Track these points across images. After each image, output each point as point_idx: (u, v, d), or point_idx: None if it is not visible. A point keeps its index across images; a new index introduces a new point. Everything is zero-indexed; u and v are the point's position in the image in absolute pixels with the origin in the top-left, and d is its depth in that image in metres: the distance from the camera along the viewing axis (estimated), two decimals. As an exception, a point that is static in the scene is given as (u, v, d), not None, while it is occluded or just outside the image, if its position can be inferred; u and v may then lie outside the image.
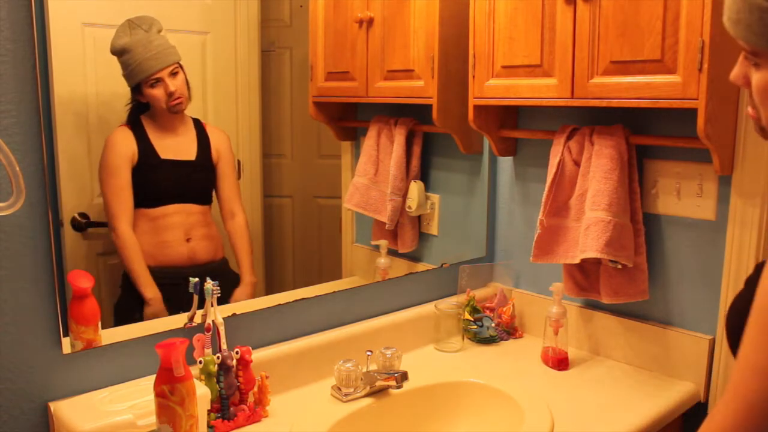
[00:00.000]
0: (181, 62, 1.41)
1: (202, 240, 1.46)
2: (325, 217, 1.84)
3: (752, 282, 0.82)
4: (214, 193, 1.50)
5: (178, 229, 1.42)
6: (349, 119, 1.84)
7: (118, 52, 1.33)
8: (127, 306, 1.36)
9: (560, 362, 1.58)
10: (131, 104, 1.37)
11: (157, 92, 1.37)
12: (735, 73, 0.81)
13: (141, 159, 1.36)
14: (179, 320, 1.32)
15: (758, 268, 0.82)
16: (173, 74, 1.39)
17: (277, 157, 1.69)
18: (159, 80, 1.37)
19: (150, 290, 1.37)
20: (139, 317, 1.35)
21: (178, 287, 1.39)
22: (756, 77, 0.78)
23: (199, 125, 1.47)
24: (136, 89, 1.36)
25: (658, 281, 1.56)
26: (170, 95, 1.39)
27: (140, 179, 1.36)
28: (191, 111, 1.46)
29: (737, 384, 0.68)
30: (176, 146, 1.43)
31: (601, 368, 1.59)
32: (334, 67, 1.77)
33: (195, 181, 1.47)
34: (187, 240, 1.43)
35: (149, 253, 1.39)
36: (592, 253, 1.45)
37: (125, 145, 1.34)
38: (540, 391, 1.43)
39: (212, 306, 1.29)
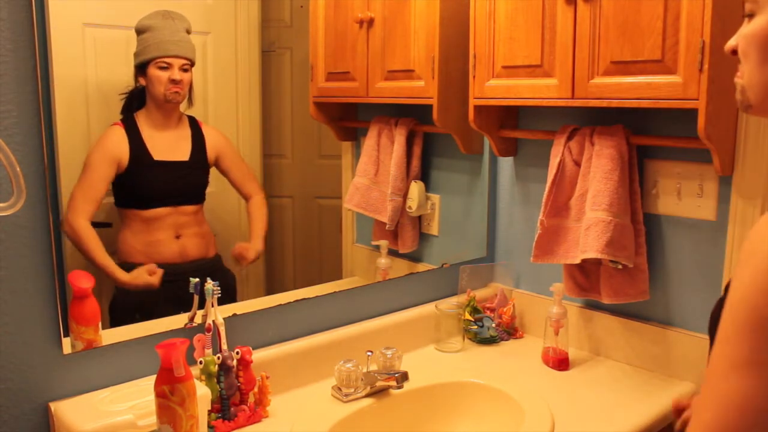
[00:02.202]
0: (193, 66, 1.42)
1: (193, 237, 1.46)
2: (326, 217, 1.84)
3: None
4: (206, 192, 1.50)
5: (169, 229, 1.43)
6: (350, 119, 1.84)
7: (142, 29, 1.34)
8: (121, 306, 1.36)
9: (561, 362, 1.58)
10: (127, 94, 1.36)
11: (162, 75, 1.38)
12: (728, 43, 0.82)
13: (133, 160, 1.35)
14: (179, 320, 1.32)
15: None
16: (183, 69, 1.41)
17: (278, 157, 1.69)
18: (168, 66, 1.38)
19: (122, 273, 1.36)
20: (134, 316, 1.34)
21: (171, 284, 1.39)
22: (748, 27, 0.78)
23: (194, 124, 1.46)
24: (141, 68, 1.36)
25: (658, 281, 1.56)
26: (172, 82, 1.39)
27: (132, 180, 1.36)
28: (191, 111, 1.46)
29: (718, 384, 0.64)
30: (170, 146, 1.42)
31: (602, 368, 1.59)
32: (335, 67, 1.77)
33: (188, 183, 1.47)
34: (177, 237, 1.44)
35: (140, 250, 1.39)
36: (592, 254, 1.45)
37: (114, 145, 1.34)
38: (540, 392, 1.43)
39: (213, 306, 1.29)
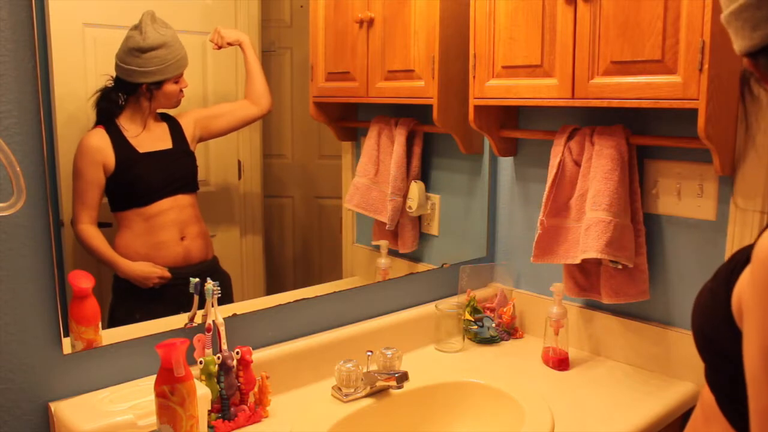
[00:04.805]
0: None
1: (196, 239, 1.46)
2: (326, 217, 1.84)
3: (721, 274, 0.80)
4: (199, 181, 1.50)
5: (173, 228, 1.42)
6: (350, 119, 1.84)
7: (158, 45, 1.35)
8: (120, 311, 1.36)
9: (561, 362, 1.58)
10: (99, 95, 1.32)
11: (176, 88, 1.41)
12: None
13: (120, 158, 1.35)
14: (180, 320, 1.32)
15: (731, 260, 0.80)
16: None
17: (278, 157, 1.69)
18: (180, 76, 1.41)
19: (126, 263, 1.37)
20: (137, 318, 1.34)
21: (174, 287, 1.39)
22: None
23: (168, 117, 1.45)
24: (155, 85, 1.38)
25: (658, 281, 1.56)
26: (181, 90, 1.43)
27: (124, 178, 1.36)
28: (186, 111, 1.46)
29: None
30: (152, 139, 1.42)
31: (602, 368, 1.59)
32: (335, 67, 1.77)
33: (178, 169, 1.47)
34: (182, 239, 1.44)
35: (145, 254, 1.39)
36: (592, 254, 1.45)
37: (96, 148, 1.33)
38: (540, 392, 1.43)
39: (213, 306, 1.29)
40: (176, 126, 1.45)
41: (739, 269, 0.74)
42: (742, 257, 0.75)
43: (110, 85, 1.34)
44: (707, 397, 0.83)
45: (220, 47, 1.50)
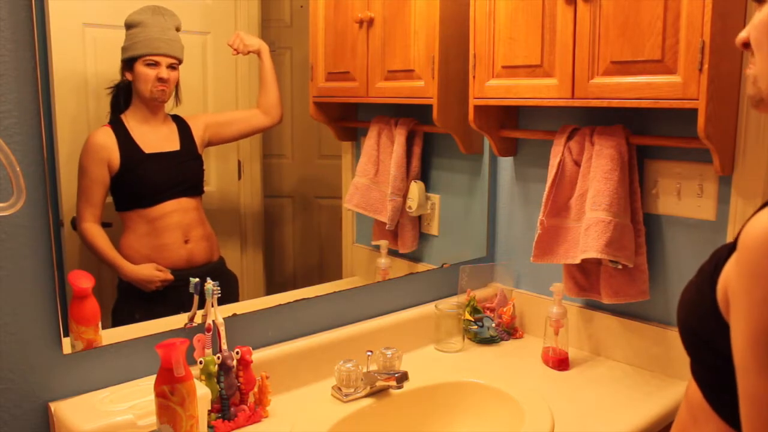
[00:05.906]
0: (181, 63, 1.41)
1: (200, 241, 1.46)
2: (326, 217, 1.84)
3: (705, 270, 0.80)
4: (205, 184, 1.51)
5: (177, 231, 1.42)
6: (350, 119, 1.84)
7: (132, 24, 1.33)
8: (125, 308, 1.36)
9: (561, 362, 1.58)
10: (113, 88, 1.35)
11: (150, 72, 1.37)
12: (740, 36, 0.79)
13: (124, 157, 1.35)
14: (179, 320, 1.32)
15: (713, 257, 0.80)
16: (171, 67, 1.40)
17: (278, 157, 1.69)
18: (156, 64, 1.37)
19: (129, 266, 1.37)
20: (138, 318, 1.34)
21: (177, 289, 1.39)
22: (759, 16, 0.76)
23: (179, 119, 1.45)
24: (129, 63, 1.35)
25: (658, 281, 1.56)
26: (159, 80, 1.38)
27: (128, 178, 1.36)
28: (179, 109, 1.46)
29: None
30: (159, 139, 1.42)
31: (602, 368, 1.59)
32: (335, 67, 1.77)
33: (184, 171, 1.47)
34: (186, 242, 1.43)
35: (147, 256, 1.39)
36: (592, 254, 1.45)
37: (101, 146, 1.33)
38: (540, 392, 1.43)
39: (213, 306, 1.29)
40: (185, 128, 1.45)
41: (722, 263, 0.74)
42: (724, 252, 0.75)
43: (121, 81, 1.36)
44: (693, 396, 0.82)
45: (238, 53, 1.50)
